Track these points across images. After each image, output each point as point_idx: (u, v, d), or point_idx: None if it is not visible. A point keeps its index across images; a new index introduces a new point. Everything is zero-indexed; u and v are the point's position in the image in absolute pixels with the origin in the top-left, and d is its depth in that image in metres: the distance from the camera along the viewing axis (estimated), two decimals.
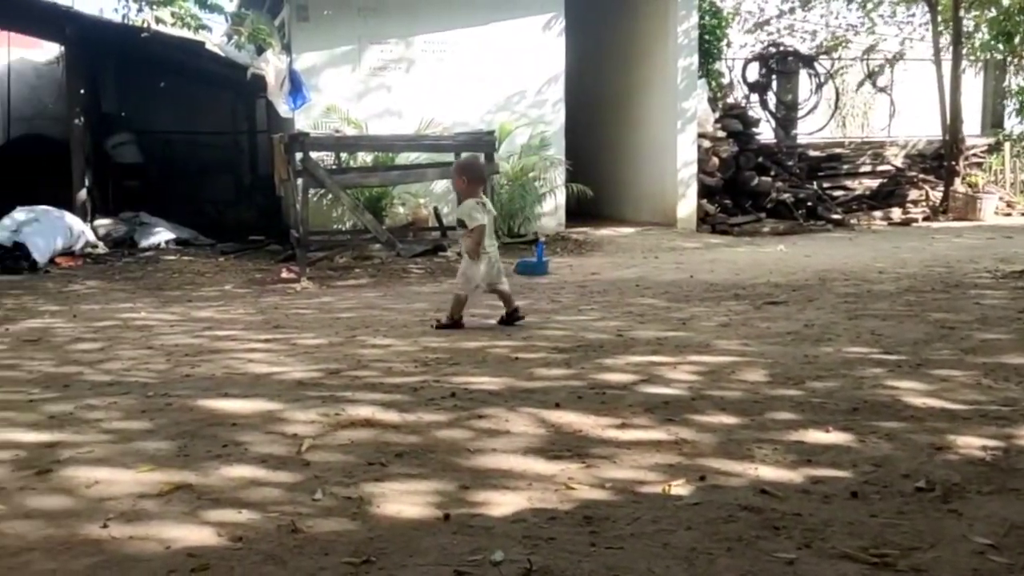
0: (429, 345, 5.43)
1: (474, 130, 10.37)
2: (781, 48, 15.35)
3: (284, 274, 8.89)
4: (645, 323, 6.08)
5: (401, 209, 11.00)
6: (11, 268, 9.37)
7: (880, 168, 14.46)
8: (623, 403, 4.07)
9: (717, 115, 13.00)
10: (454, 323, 5.94)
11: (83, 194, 11.94)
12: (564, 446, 3.50)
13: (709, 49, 13.41)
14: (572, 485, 3.09)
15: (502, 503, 2.94)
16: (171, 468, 3.27)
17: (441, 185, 10.85)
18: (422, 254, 9.90)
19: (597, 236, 11.37)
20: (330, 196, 10.19)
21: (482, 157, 7.40)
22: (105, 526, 2.74)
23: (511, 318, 6.04)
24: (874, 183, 14.24)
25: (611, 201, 13.08)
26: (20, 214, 10.10)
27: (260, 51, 10.92)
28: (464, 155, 6.51)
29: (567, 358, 4.99)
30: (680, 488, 3.05)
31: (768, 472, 3.18)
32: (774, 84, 14.84)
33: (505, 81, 11.39)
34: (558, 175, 11.42)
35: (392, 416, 3.89)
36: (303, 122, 10.68)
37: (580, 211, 12.33)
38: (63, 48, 13.30)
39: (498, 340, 5.55)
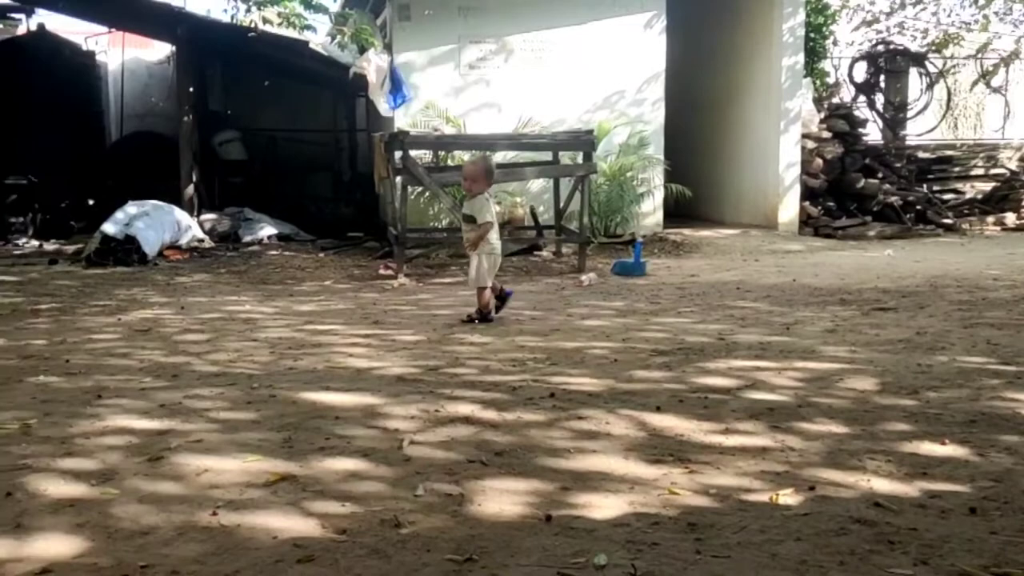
0: (526, 344, 5.41)
1: (573, 129, 10.32)
2: (890, 46, 14.83)
3: (382, 270, 9.00)
4: (747, 327, 5.94)
5: (497, 208, 11.00)
6: (122, 260, 9.70)
7: (993, 171, 13.82)
8: (726, 408, 3.97)
9: (822, 115, 12.64)
10: (483, 317, 6.17)
11: (191, 190, 12.33)
12: (666, 450, 3.43)
13: (814, 47, 13.06)
14: (675, 490, 3.02)
15: (604, 506, 2.90)
16: (276, 459, 3.32)
17: (538, 184, 10.84)
18: (518, 253, 9.89)
19: (695, 237, 11.18)
20: (428, 194, 10.27)
21: (491, 159, 7.41)
22: (215, 514, 2.80)
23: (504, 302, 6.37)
24: (987, 187, 13.60)
25: (710, 202, 12.86)
26: (132, 208, 10.45)
27: (362, 50, 11.08)
28: (477, 156, 6.63)
29: (667, 361, 4.91)
30: (788, 498, 2.95)
31: (881, 484, 3.06)
32: (882, 83, 14.35)
33: (604, 80, 11.31)
34: (656, 175, 11.27)
35: (491, 415, 3.88)
36: (402, 120, 10.80)
37: (677, 212, 12.16)
38: (174, 48, 13.77)
39: (596, 341, 5.50)
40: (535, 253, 10.13)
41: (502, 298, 6.40)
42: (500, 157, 10.38)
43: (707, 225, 12.30)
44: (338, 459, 3.33)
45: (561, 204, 9.82)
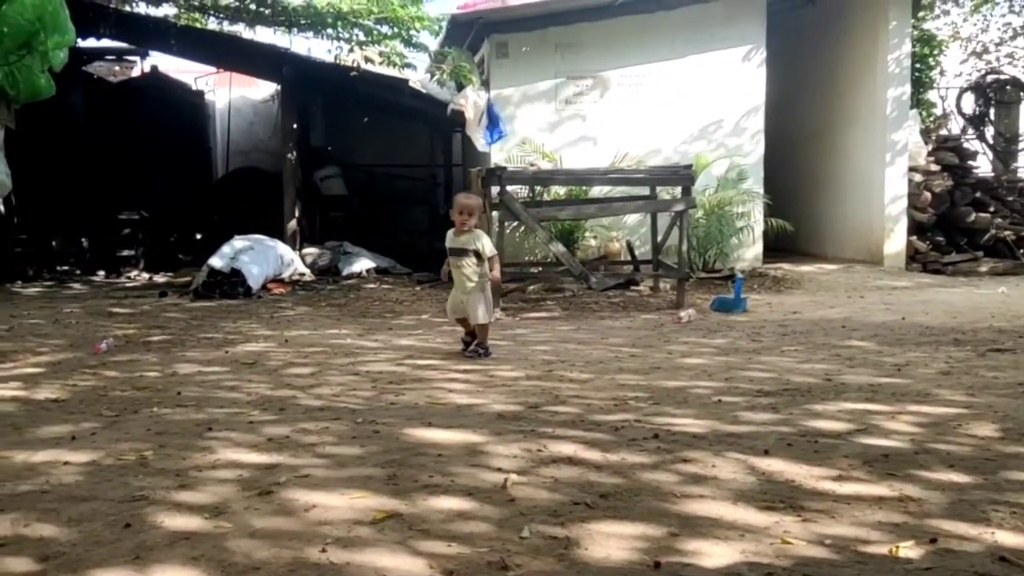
0: (626, 382, 5.34)
1: (669, 161, 10.26)
2: (1000, 76, 14.34)
3: None
4: (855, 367, 5.74)
5: (593, 242, 11.00)
6: (228, 293, 10.00)
7: None
8: (838, 453, 3.83)
9: (930, 147, 12.27)
10: (487, 350, 6.30)
11: (293, 224, 12.66)
12: (776, 496, 3.31)
13: (920, 78, 12.73)
14: (788, 539, 2.91)
15: (714, 554, 2.81)
16: (382, 496, 3.33)
17: (634, 218, 10.79)
18: (614, 287, 9.83)
19: (797, 273, 10.93)
20: (523, 228, 10.32)
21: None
22: (324, 550, 2.81)
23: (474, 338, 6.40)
24: None
25: (811, 236, 12.59)
26: (238, 242, 10.78)
27: (460, 87, 11.25)
28: (471, 191, 6.57)
29: (773, 402, 4.78)
30: (909, 550, 2.81)
31: (1007, 537, 2.89)
32: (992, 114, 13.87)
33: (701, 113, 11.24)
34: (756, 209, 11.09)
35: (595, 455, 3.83)
36: (498, 155, 10.91)
37: (777, 246, 11.93)
38: (279, 87, 14.23)
39: (698, 380, 5.39)
40: (632, 288, 10.06)
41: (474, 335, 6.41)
42: (596, 191, 10.40)
43: (808, 260, 12.03)
44: (442, 498, 3.32)
45: (658, 238, 9.73)
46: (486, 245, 6.33)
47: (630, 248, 10.27)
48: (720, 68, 11.18)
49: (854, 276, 10.81)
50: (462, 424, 4.35)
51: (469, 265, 6.34)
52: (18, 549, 2.84)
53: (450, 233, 6.45)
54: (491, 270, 6.37)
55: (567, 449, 3.90)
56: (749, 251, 11.30)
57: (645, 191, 9.65)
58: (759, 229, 11.24)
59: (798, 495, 3.32)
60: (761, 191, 11.14)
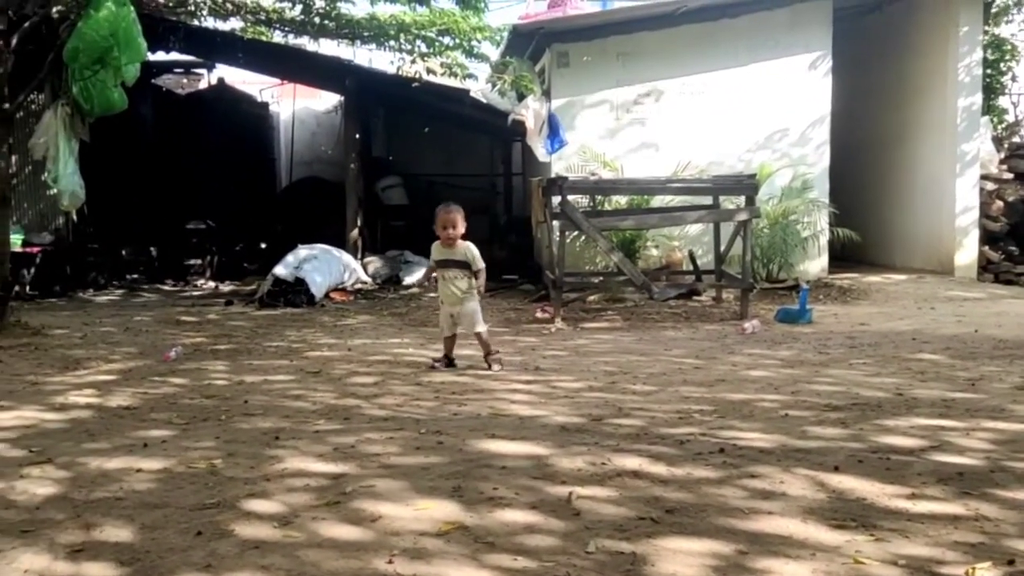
0: (691, 395, 5.28)
1: (731, 170, 10.16)
2: None
3: (539, 314, 9.03)
4: (927, 381, 5.60)
5: (654, 251, 10.92)
6: (292, 302, 10.14)
7: None
8: (911, 471, 3.73)
9: (1002, 155, 11.95)
10: (497, 358, 6.27)
11: (355, 234, 12.80)
12: (848, 514, 3.24)
13: (991, 84, 12.40)
14: (861, 559, 2.84)
15: (784, 572, 2.76)
16: (447, 507, 3.33)
17: (696, 227, 10.69)
18: (676, 297, 9.75)
19: (864, 283, 10.70)
20: (583, 237, 10.28)
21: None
22: (391, 562, 2.82)
23: (451, 363, 6.35)
24: None
25: (877, 246, 12.32)
26: (301, 252, 10.94)
27: (521, 97, 11.27)
28: (451, 204, 6.42)
29: (842, 417, 4.68)
30: (986, 572, 2.73)
31: None
32: None
33: (765, 121, 11.10)
34: (821, 218, 10.91)
35: (660, 469, 3.78)
36: (558, 164, 10.90)
37: (843, 256, 11.71)
38: (342, 98, 14.42)
39: (764, 393, 5.31)
40: (694, 298, 9.96)
41: (451, 363, 6.36)
42: (657, 200, 10.32)
43: (875, 270, 11.78)
44: (507, 510, 3.31)
45: (721, 248, 9.62)
46: (474, 257, 6.25)
47: (692, 258, 10.16)
48: (784, 76, 11.03)
49: (923, 287, 10.55)
50: (525, 436, 4.34)
51: (459, 277, 6.26)
52: (96, 555, 2.91)
53: (436, 245, 6.39)
54: (477, 279, 6.27)
55: (632, 463, 3.87)
56: (814, 261, 11.11)
57: (708, 200, 9.56)
58: (824, 239, 11.05)
59: (870, 513, 3.25)
60: (826, 201, 10.94)
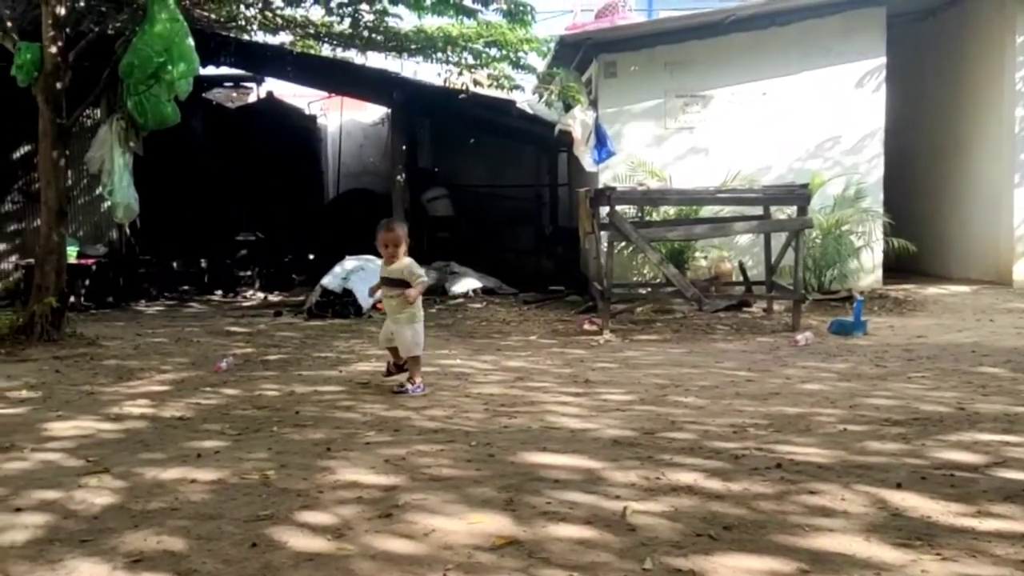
0: (744, 409, 5.19)
1: (783, 182, 10.05)
2: None
3: (586, 326, 8.97)
4: (989, 396, 5.45)
5: (703, 262, 10.81)
6: (340, 313, 10.19)
7: None
8: (975, 488, 3.62)
9: None
10: (417, 387, 5.90)
11: None
12: (912, 532, 3.15)
13: None
14: None
15: None
16: (500, 521, 3.30)
17: (745, 238, 10.56)
18: (725, 309, 9.63)
19: (920, 295, 10.47)
20: (631, 248, 10.20)
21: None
22: None
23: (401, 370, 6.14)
24: None
25: (933, 256, 12.05)
26: (349, 263, 10.99)
27: (568, 107, 11.25)
28: (393, 221, 6.26)
29: (903, 432, 4.56)
30: None
31: None
32: None
33: (817, 129, 10.95)
34: (875, 228, 10.70)
35: (715, 484, 3.72)
36: (606, 174, 10.85)
37: (898, 267, 11.48)
38: (389, 110, 14.51)
39: (820, 407, 5.20)
40: (744, 310, 9.83)
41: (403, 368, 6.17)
42: (706, 211, 10.22)
43: (931, 281, 11.52)
44: (561, 525, 3.27)
45: (772, 259, 9.48)
46: (414, 273, 6.05)
47: (742, 269, 10.04)
48: (837, 84, 10.87)
49: (981, 298, 10.29)
50: (577, 449, 4.29)
51: (395, 296, 6.08)
52: (153, 565, 2.92)
53: (381, 263, 6.25)
54: (414, 294, 6.03)
55: (686, 477, 3.80)
56: (868, 272, 10.90)
57: (758, 210, 9.43)
58: (879, 249, 10.84)
59: (935, 531, 3.16)
60: (880, 210, 10.74)
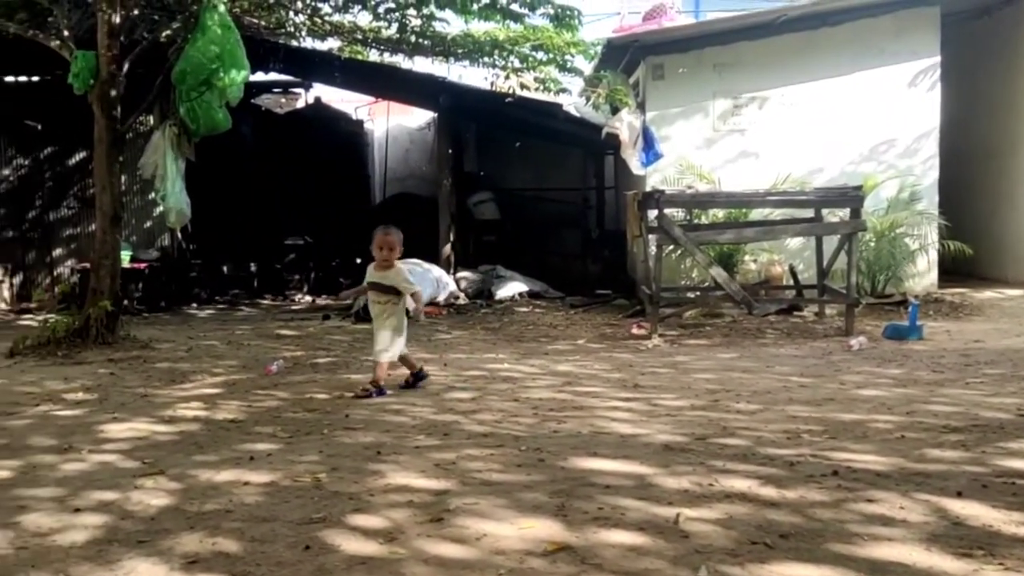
0: (798, 414, 5.11)
1: (835, 184, 9.89)
2: None
3: (635, 330, 8.90)
4: None
5: (753, 265, 10.68)
6: None
7: None
8: None
9: None
10: (380, 390, 5.90)
11: (448, 248, 12.89)
12: (973, 542, 3.07)
13: None
14: None
15: None
16: (552, 527, 3.28)
17: (796, 242, 10.42)
18: (776, 313, 9.50)
19: (976, 299, 10.24)
20: (680, 251, 10.12)
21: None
22: None
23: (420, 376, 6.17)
24: None
25: (990, 260, 11.76)
26: None
27: (615, 110, 11.19)
28: (388, 226, 6.24)
29: (962, 439, 4.45)
30: None
31: None
32: None
33: (870, 131, 10.76)
34: (931, 231, 10.49)
35: (770, 491, 3.66)
36: (654, 177, 10.78)
37: (953, 270, 11.23)
38: (435, 115, 14.57)
39: (876, 413, 5.10)
40: (795, 314, 9.69)
41: (420, 377, 6.20)
42: (756, 213, 10.10)
43: (987, 284, 11.26)
44: (613, 531, 3.24)
45: (824, 262, 9.33)
46: (405, 280, 6.08)
47: (793, 272, 9.90)
48: (890, 84, 10.67)
49: None
50: (628, 455, 4.26)
51: (381, 301, 6.09)
52: (209, 567, 2.94)
53: (371, 267, 6.23)
54: (416, 303, 6.10)
55: (740, 484, 3.75)
56: (923, 276, 10.68)
57: (809, 213, 9.30)
58: (934, 252, 10.61)
59: (997, 541, 3.08)
60: (936, 213, 10.52)
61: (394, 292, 6.06)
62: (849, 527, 3.25)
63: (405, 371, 6.29)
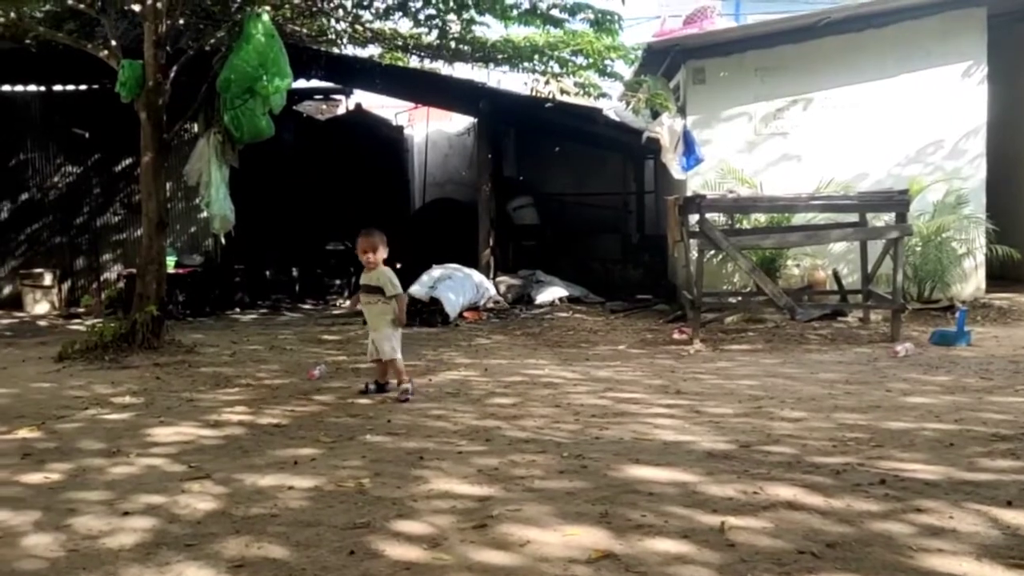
0: (844, 422, 5.04)
1: (880, 188, 9.75)
2: None
3: (676, 335, 8.85)
4: None
5: (795, 270, 10.55)
6: (427, 321, 10.28)
7: None
8: None
9: None
10: (408, 392, 6.02)
11: (487, 253, 12.91)
12: None
13: None
14: None
15: None
16: (595, 534, 3.27)
17: (840, 246, 10.28)
18: (819, 318, 9.38)
19: None
20: (721, 256, 10.04)
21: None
22: None
23: (381, 388, 6.23)
24: None
25: None
26: (436, 271, 11.09)
27: (655, 114, 11.14)
28: (369, 230, 6.49)
29: (1012, 447, 4.37)
30: None
31: None
32: None
33: (916, 134, 10.58)
34: (979, 235, 10.30)
35: (816, 500, 3.61)
36: (695, 181, 10.70)
37: (1002, 275, 11.01)
38: (475, 120, 14.61)
39: (924, 421, 5.02)
40: (839, 319, 9.57)
41: (381, 390, 6.23)
42: (798, 218, 9.99)
43: None
44: (657, 539, 3.22)
45: (869, 267, 9.20)
46: (389, 283, 6.20)
47: (837, 277, 9.76)
48: (936, 86, 10.49)
49: None
50: (671, 462, 4.23)
51: (373, 303, 6.24)
52: (255, 571, 2.97)
53: (364, 272, 6.39)
54: (399, 308, 6.23)
55: (786, 492, 3.71)
56: (970, 280, 10.48)
57: (853, 218, 9.18)
58: (981, 257, 10.41)
59: None
60: (983, 216, 10.33)
61: (380, 292, 6.23)
62: (898, 537, 3.21)
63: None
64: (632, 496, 3.71)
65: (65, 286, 12.81)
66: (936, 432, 4.73)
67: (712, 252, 9.57)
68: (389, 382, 6.31)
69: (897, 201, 8.39)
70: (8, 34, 9.53)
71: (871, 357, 7.46)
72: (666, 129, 10.50)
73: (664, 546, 3.15)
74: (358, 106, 17.22)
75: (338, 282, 13.77)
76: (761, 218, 10.21)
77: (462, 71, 12.71)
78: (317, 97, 17.25)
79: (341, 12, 11.17)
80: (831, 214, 9.46)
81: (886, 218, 9.14)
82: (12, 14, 9.04)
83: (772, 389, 6.11)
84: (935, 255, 9.86)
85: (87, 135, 12.77)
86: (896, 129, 10.57)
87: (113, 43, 8.71)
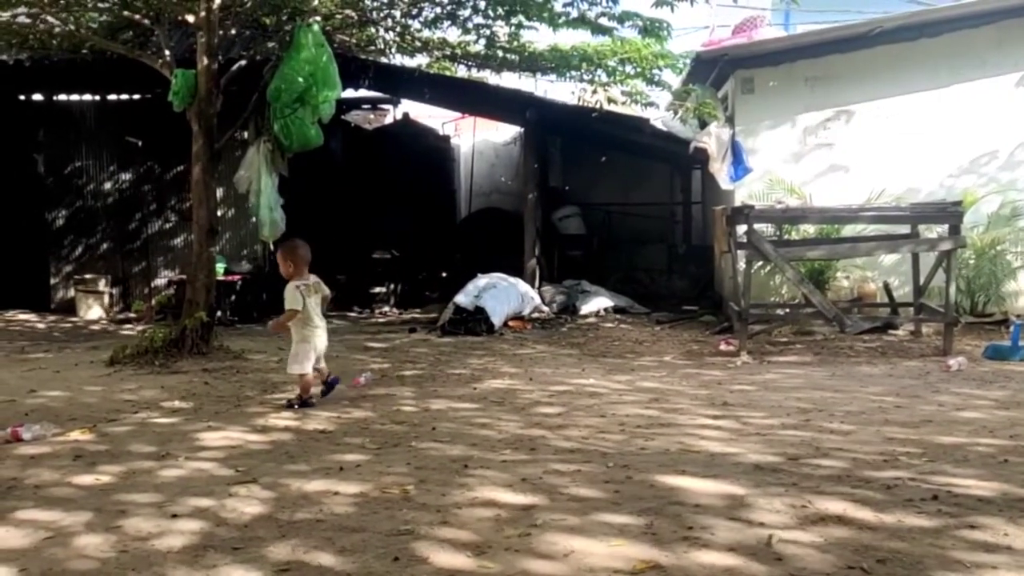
0: (895, 436, 4.95)
1: (933, 199, 9.59)
2: None
3: (722, 347, 8.76)
4: None
5: (845, 282, 10.41)
6: (472, 330, 10.29)
7: None
8: None
9: None
10: (303, 402, 6.08)
11: (533, 263, 12.90)
12: None
13: None
14: None
15: None
16: (640, 545, 3.24)
17: (890, 258, 10.12)
18: (869, 331, 9.23)
19: None
20: (768, 267, 9.93)
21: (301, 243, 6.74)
22: None
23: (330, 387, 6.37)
24: None
25: None
26: (481, 281, 11.11)
27: (703, 124, 11.07)
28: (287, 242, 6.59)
29: None
30: None
31: None
32: None
33: (970, 144, 10.40)
34: None
35: (867, 515, 3.55)
36: (742, 192, 10.61)
37: None
38: (522, 130, 14.63)
39: (978, 436, 4.91)
40: (889, 332, 9.41)
41: (329, 384, 6.36)
42: (848, 229, 9.85)
43: None
44: (704, 551, 3.18)
45: (921, 280, 9.03)
46: (286, 299, 6.25)
47: (887, 290, 9.61)
48: (990, 97, 10.29)
49: None
50: (717, 474, 4.18)
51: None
52: (300, 575, 2.99)
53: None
54: (275, 320, 6.38)
55: (835, 507, 3.65)
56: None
57: (903, 229, 9.03)
58: None
59: None
60: None
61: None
62: (951, 553, 3.14)
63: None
64: (678, 508, 3.67)
65: (117, 292, 13.05)
66: (990, 447, 4.63)
67: (759, 263, 9.47)
68: (332, 378, 6.45)
69: (950, 213, 8.24)
70: (66, 44, 9.76)
71: (923, 371, 7.33)
72: (714, 139, 10.44)
73: (710, 558, 3.12)
74: (405, 116, 17.34)
75: (383, 290, 13.85)
76: (810, 229, 10.09)
77: (509, 80, 12.74)
78: (365, 107, 17.41)
79: (390, 21, 11.24)
80: (882, 225, 9.31)
81: (938, 230, 8.98)
82: (71, 25, 9.26)
83: (821, 402, 6.02)
84: (989, 268, 9.67)
85: (140, 143, 13.01)
86: (948, 140, 10.40)
87: (167, 53, 8.87)
